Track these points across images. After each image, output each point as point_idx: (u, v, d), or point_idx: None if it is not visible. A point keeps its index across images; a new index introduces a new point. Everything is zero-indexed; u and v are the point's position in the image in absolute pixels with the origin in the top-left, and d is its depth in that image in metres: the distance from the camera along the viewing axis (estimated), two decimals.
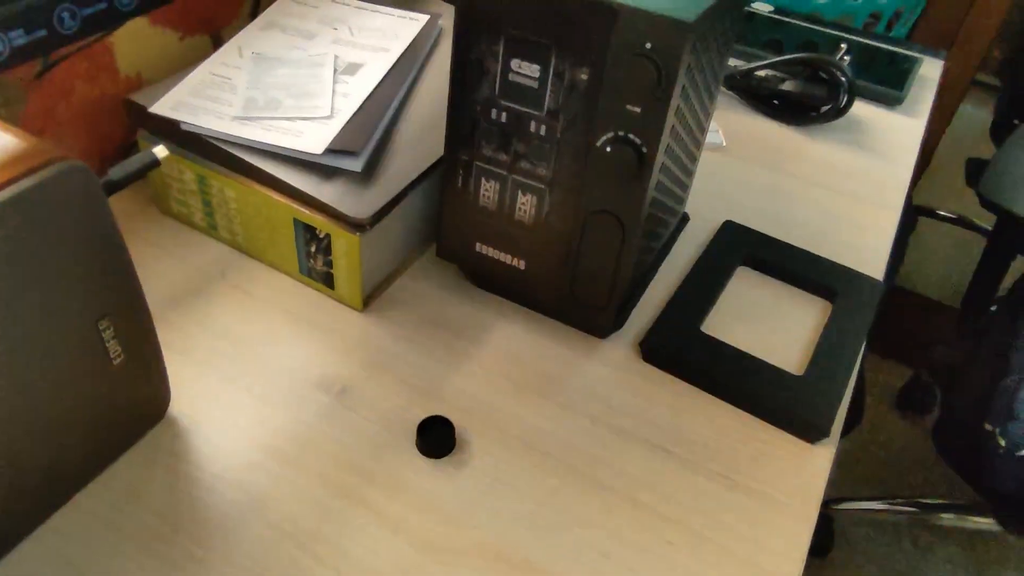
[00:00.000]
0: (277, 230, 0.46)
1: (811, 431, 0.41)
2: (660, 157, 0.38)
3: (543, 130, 0.39)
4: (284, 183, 0.43)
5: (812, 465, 0.41)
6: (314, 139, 0.45)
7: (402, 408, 0.41)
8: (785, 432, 0.42)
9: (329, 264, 0.45)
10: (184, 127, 0.45)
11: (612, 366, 0.45)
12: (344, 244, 0.43)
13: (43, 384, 0.30)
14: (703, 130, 0.47)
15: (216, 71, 0.49)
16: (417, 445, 0.39)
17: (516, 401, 0.42)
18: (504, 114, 0.39)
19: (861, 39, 0.79)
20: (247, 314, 0.45)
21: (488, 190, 0.42)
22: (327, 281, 0.46)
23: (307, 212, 0.43)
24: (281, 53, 0.51)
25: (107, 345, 0.32)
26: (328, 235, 0.44)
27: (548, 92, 0.37)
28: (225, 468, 0.37)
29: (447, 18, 0.59)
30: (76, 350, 0.31)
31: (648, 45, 0.34)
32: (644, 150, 0.37)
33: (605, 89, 0.36)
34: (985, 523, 1.20)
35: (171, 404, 0.39)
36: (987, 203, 0.84)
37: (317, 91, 0.48)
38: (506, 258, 0.44)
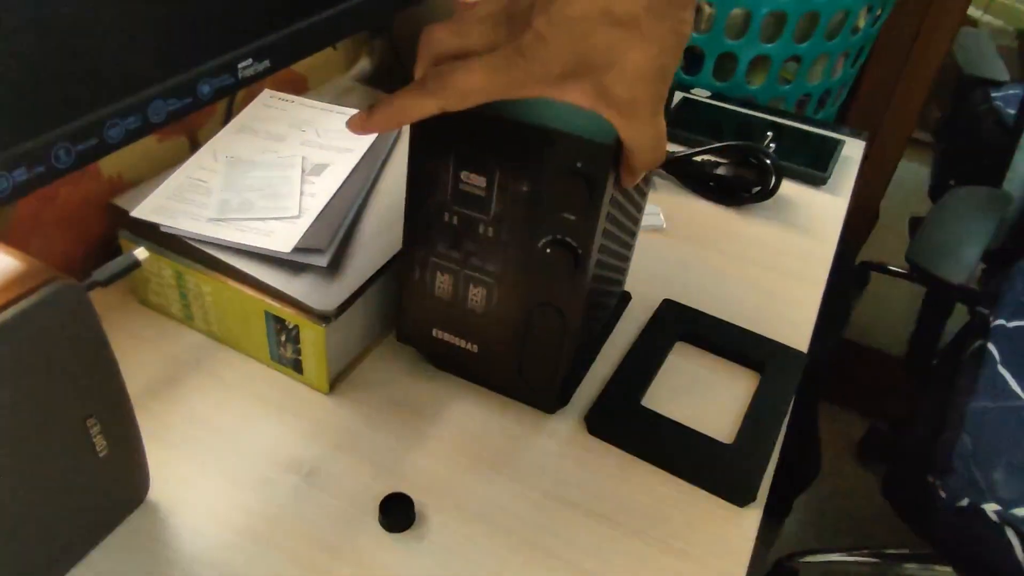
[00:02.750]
0: (249, 321, 0.49)
1: (740, 496, 0.45)
2: (595, 255, 0.43)
3: (490, 232, 0.43)
4: (256, 279, 0.47)
5: (741, 528, 0.45)
6: (283, 238, 0.49)
7: (366, 486, 0.44)
8: (717, 497, 0.46)
9: (298, 352, 0.49)
10: (164, 229, 0.49)
11: (559, 440, 0.49)
12: (311, 334, 0.47)
13: (35, 478, 0.34)
14: (636, 221, 0.53)
15: (193, 174, 0.54)
16: (380, 521, 0.42)
17: (471, 476, 0.46)
18: (455, 217, 0.44)
19: (791, 123, 0.86)
20: (221, 400, 0.48)
21: (443, 282, 0.47)
22: (296, 367, 0.50)
23: (277, 305, 0.47)
24: (254, 156, 0.56)
25: (93, 440, 0.36)
26: (297, 326, 0.47)
27: (494, 200, 0.42)
28: (202, 549, 0.40)
29: None
30: (65, 446, 0.35)
31: (578, 164, 0.39)
32: (579, 251, 0.41)
33: (543, 199, 0.41)
34: (946, 572, 1.24)
35: (150, 489, 0.42)
36: (915, 267, 0.90)
37: (286, 192, 0.53)
38: (460, 342, 0.48)
